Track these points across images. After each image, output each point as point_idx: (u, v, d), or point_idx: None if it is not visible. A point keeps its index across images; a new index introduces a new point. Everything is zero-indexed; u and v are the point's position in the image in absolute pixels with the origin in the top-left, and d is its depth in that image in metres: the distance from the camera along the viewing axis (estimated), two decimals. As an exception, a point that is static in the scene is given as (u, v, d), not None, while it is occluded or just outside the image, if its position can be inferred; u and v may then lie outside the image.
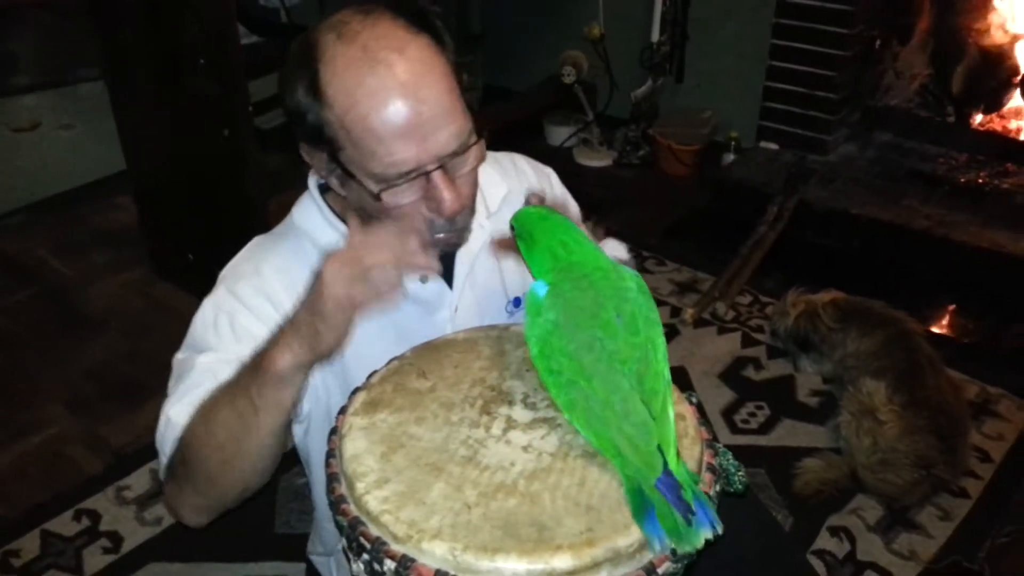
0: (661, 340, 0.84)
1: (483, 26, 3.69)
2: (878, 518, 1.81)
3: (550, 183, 1.28)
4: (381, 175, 0.94)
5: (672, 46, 3.22)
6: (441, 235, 1.01)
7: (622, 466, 0.77)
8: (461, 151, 0.96)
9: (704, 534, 0.73)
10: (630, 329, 0.82)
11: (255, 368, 0.89)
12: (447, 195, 0.96)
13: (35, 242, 2.87)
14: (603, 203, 2.97)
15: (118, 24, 2.33)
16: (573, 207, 1.29)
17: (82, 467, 1.97)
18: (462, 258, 1.12)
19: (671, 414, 0.80)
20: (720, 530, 0.74)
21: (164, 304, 2.51)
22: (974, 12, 2.90)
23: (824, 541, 1.76)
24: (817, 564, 1.71)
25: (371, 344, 0.99)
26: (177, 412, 0.97)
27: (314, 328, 0.86)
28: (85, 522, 1.82)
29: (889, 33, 2.94)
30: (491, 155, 1.20)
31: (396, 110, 0.91)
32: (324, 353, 0.88)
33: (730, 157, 3.11)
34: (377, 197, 0.95)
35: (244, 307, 1.02)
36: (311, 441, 1.15)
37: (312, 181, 1.12)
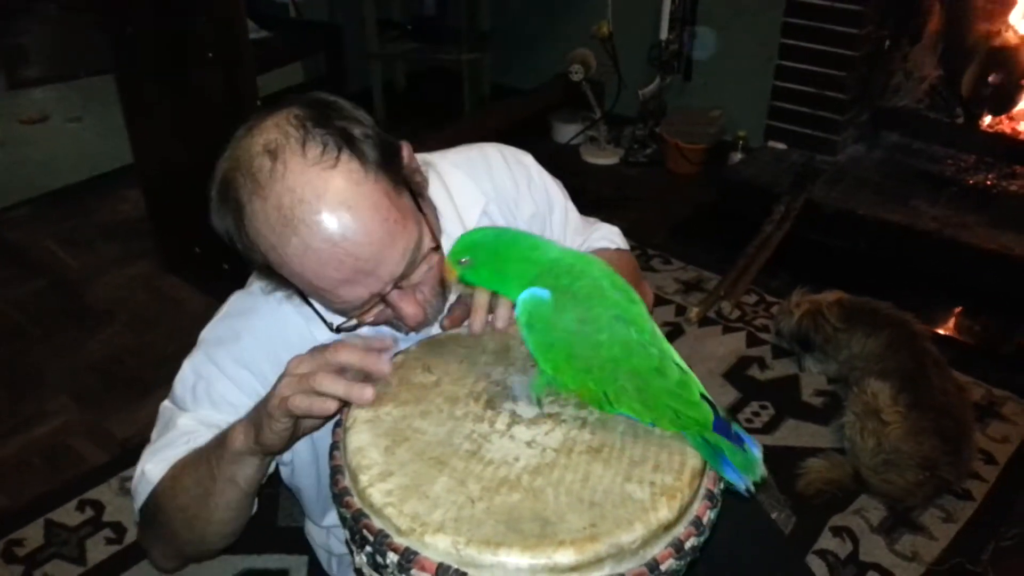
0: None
1: (491, 23, 3.69)
2: (881, 519, 1.81)
3: (527, 173, 1.21)
4: (336, 311, 0.93)
5: (680, 44, 3.22)
6: (415, 333, 0.99)
7: (683, 425, 0.80)
8: (414, 267, 0.91)
9: (758, 455, 0.79)
10: (630, 299, 0.83)
11: (220, 440, 0.90)
12: (408, 311, 0.93)
13: (42, 234, 2.88)
14: (610, 201, 2.97)
15: (126, 17, 2.34)
16: (557, 192, 1.25)
17: (86, 458, 1.98)
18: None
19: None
20: (759, 449, 0.79)
21: (171, 297, 2.52)
22: (984, 13, 2.89)
23: (827, 541, 1.76)
24: (819, 564, 1.71)
25: None
26: (151, 469, 0.97)
27: (260, 421, 0.86)
28: (89, 512, 1.83)
29: (899, 33, 2.93)
30: (464, 156, 1.16)
31: (330, 266, 0.86)
32: (268, 448, 0.88)
33: (738, 156, 3.10)
34: (335, 329, 0.95)
35: (222, 375, 1.00)
36: (298, 479, 1.15)
37: None
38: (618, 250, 1.29)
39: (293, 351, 0.87)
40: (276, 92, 3.30)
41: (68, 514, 1.83)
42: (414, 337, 1.01)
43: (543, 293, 0.82)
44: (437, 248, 0.94)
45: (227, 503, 0.92)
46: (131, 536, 1.78)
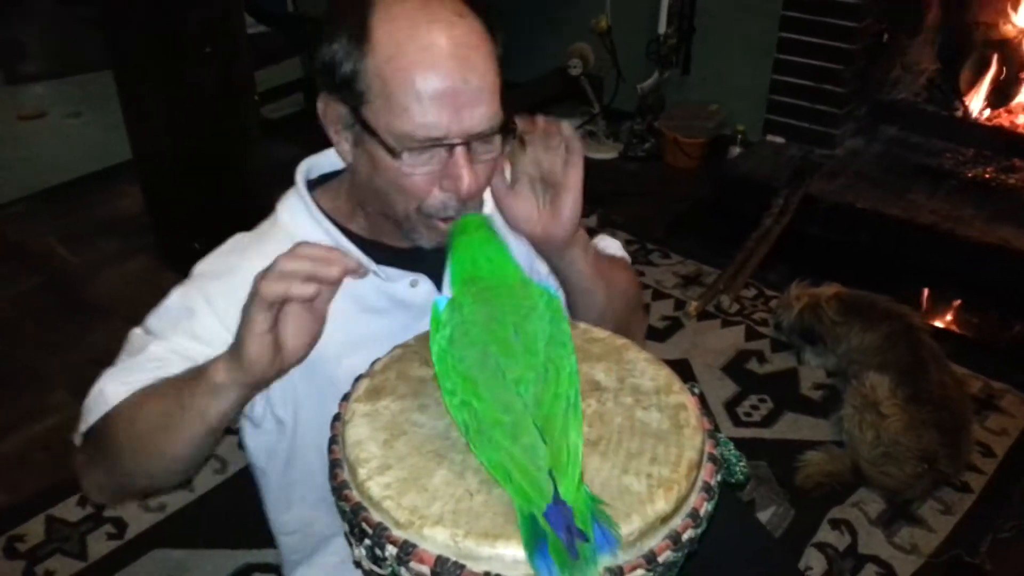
0: (567, 362, 0.79)
1: (490, 17, 3.68)
2: (880, 512, 1.82)
3: None
4: (406, 135, 0.90)
5: (679, 39, 3.22)
6: (446, 221, 0.97)
7: (514, 492, 0.73)
8: (489, 134, 0.94)
9: (601, 562, 0.69)
10: (529, 348, 0.78)
11: (198, 372, 0.88)
12: (466, 174, 0.93)
13: (42, 230, 2.88)
14: (609, 196, 2.98)
15: (125, 12, 2.34)
16: None
17: (87, 454, 1.99)
18: None
19: (572, 440, 0.75)
20: (619, 552, 0.70)
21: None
22: (982, 6, 2.89)
23: (825, 534, 1.77)
24: (818, 557, 1.72)
25: (359, 354, 0.95)
26: (112, 390, 0.95)
27: (240, 335, 0.83)
28: (89, 508, 1.84)
29: (897, 26, 2.93)
30: None
31: (441, 72, 0.89)
32: (250, 363, 0.83)
33: (736, 150, 3.11)
34: (397, 155, 0.92)
35: (210, 308, 0.99)
36: (282, 446, 1.10)
37: (300, 176, 1.08)
38: (628, 266, 1.28)
39: None
40: (274, 87, 3.30)
41: (69, 509, 1.83)
42: (409, 330, 1.01)
43: (443, 302, 0.82)
44: (512, 137, 0.98)
45: (190, 438, 0.88)
46: (132, 531, 1.78)
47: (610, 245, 1.29)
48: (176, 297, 1.02)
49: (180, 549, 1.74)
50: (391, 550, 0.73)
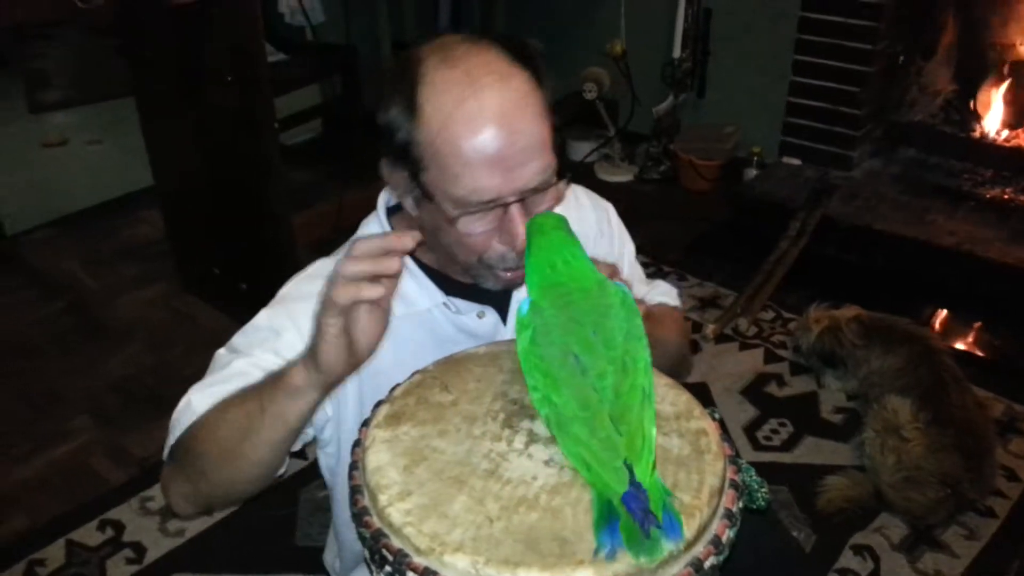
0: (643, 354, 0.83)
1: (505, 42, 3.71)
2: (902, 537, 1.79)
3: (608, 218, 1.29)
4: (461, 200, 0.95)
5: (694, 62, 3.23)
6: (509, 272, 1.01)
7: (592, 480, 0.77)
8: (543, 188, 0.97)
9: (667, 546, 0.72)
10: (607, 344, 0.81)
11: (276, 376, 0.91)
12: (521, 230, 0.96)
13: (63, 256, 2.91)
14: (625, 219, 2.97)
15: (146, 41, 2.37)
16: (629, 245, 1.31)
17: (106, 478, 2.00)
18: (518, 293, 1.12)
19: (647, 427, 0.79)
20: (683, 546, 0.73)
21: (189, 317, 2.54)
22: (998, 27, 2.89)
23: (848, 560, 1.74)
24: (841, 583, 1.70)
25: None
26: (199, 400, 0.98)
27: (315, 341, 0.86)
28: (109, 532, 1.84)
29: (913, 48, 2.93)
30: None
31: (489, 138, 0.92)
32: (326, 366, 0.86)
33: (752, 172, 3.10)
34: (453, 221, 0.96)
35: (295, 328, 1.02)
36: (343, 467, 1.13)
37: (381, 203, 1.12)
38: (674, 310, 1.32)
39: None
40: (293, 114, 3.34)
41: (89, 534, 1.84)
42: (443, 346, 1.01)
43: (527, 305, 0.86)
44: (565, 185, 1.02)
45: (270, 440, 0.91)
46: (151, 556, 1.79)
47: (664, 292, 1.33)
48: (263, 318, 1.06)
49: (199, 574, 1.74)
50: (412, 577, 0.73)
